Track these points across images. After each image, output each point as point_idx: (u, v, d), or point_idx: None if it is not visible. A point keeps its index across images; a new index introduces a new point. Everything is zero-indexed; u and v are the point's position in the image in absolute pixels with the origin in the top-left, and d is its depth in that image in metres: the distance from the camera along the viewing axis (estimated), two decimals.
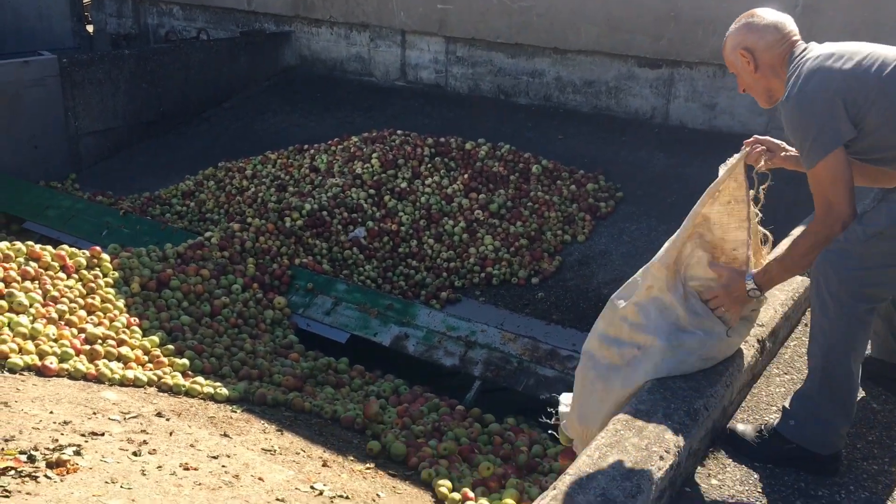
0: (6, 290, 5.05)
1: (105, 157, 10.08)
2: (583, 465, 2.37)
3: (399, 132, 8.75)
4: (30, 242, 5.58)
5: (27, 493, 3.03)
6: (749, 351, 3.08)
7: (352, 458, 4.45)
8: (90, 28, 14.28)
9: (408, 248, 7.62)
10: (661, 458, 2.41)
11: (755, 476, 2.66)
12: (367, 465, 4.41)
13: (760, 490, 2.59)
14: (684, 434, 2.55)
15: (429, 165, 8.26)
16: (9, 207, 8.42)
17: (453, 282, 7.25)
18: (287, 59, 11.75)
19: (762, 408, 3.02)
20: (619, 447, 2.45)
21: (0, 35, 12.49)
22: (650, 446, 2.45)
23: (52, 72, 9.53)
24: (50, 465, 3.31)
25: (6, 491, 3.03)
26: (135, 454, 3.68)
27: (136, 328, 5.41)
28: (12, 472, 3.18)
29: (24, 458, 3.32)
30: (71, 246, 7.68)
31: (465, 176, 8.11)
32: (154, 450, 3.79)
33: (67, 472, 3.29)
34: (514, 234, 7.53)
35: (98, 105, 10.00)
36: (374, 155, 8.29)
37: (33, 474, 3.20)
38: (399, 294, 7.11)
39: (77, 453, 3.51)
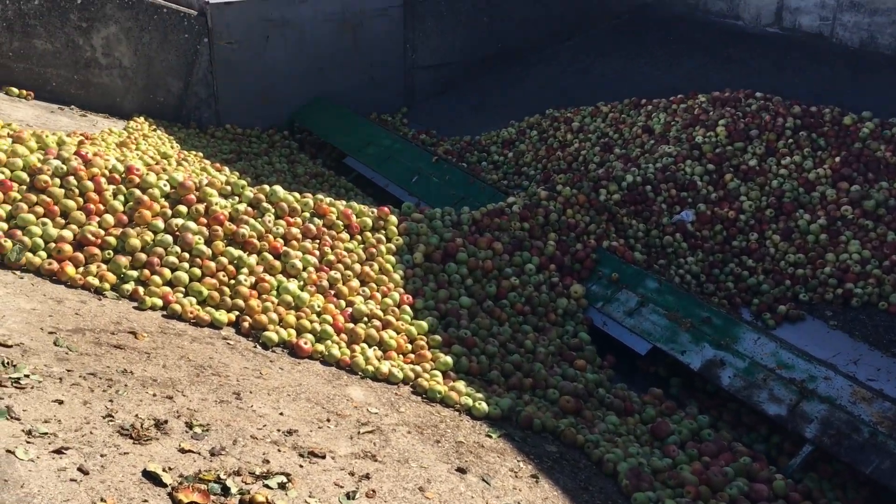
0: (283, 248, 4.74)
1: (436, 92, 9.78)
2: None
3: (758, 95, 7.20)
4: (320, 196, 5.23)
5: None
6: None
7: None
8: None
9: (745, 241, 6.25)
10: None
11: None
12: None
13: None
14: None
15: (790, 141, 6.69)
16: (335, 139, 8.43)
17: (797, 293, 5.80)
18: None
19: None
20: None
21: None
22: None
23: (397, 2, 9.31)
24: None
25: None
26: (348, 497, 3.07)
27: (408, 307, 4.85)
28: None
29: (217, 488, 2.85)
30: (383, 188, 7.48)
31: (837, 159, 6.43)
32: (373, 491, 3.16)
33: None
34: (891, 242, 5.80)
35: (437, 38, 9.67)
36: (722, 121, 6.89)
37: None
38: (724, 298, 5.85)
39: (282, 486, 2.99)
